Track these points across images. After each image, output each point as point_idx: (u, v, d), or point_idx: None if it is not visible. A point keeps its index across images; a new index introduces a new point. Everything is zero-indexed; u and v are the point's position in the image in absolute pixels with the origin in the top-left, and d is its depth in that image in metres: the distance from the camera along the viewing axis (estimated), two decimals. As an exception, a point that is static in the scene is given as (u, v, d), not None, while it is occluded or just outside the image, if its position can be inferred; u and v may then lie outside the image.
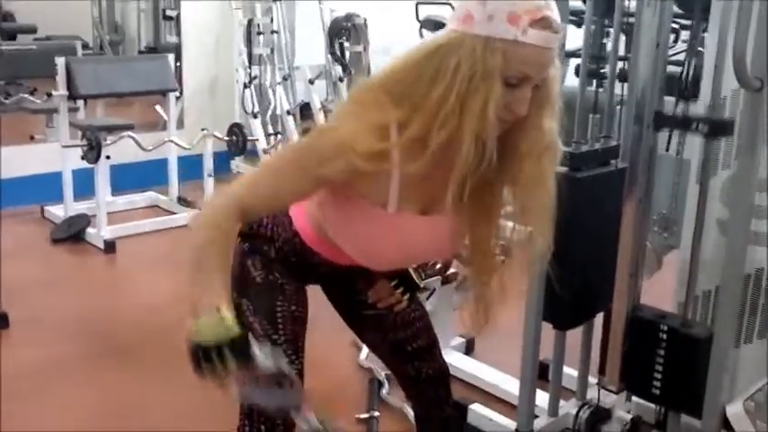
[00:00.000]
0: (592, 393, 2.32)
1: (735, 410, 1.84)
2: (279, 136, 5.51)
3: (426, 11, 6.51)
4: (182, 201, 4.78)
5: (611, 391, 2.05)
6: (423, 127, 1.25)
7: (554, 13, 1.20)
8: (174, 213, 4.63)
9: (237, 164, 5.52)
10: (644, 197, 2.05)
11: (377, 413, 2.52)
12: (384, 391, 2.64)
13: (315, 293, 1.67)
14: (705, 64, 2.03)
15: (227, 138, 5.02)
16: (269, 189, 1.32)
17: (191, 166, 4.76)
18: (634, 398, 2.40)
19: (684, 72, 1.97)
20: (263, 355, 1.23)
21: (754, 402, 1.86)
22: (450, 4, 6.38)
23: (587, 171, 2.08)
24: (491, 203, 1.38)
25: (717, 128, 1.89)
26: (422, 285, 1.70)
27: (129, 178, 4.85)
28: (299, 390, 1.31)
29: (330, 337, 2.36)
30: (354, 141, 1.25)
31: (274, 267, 1.53)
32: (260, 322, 1.51)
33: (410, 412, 2.42)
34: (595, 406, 2.02)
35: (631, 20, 2.05)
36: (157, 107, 5.06)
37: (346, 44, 5.82)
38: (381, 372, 2.70)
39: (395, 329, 1.69)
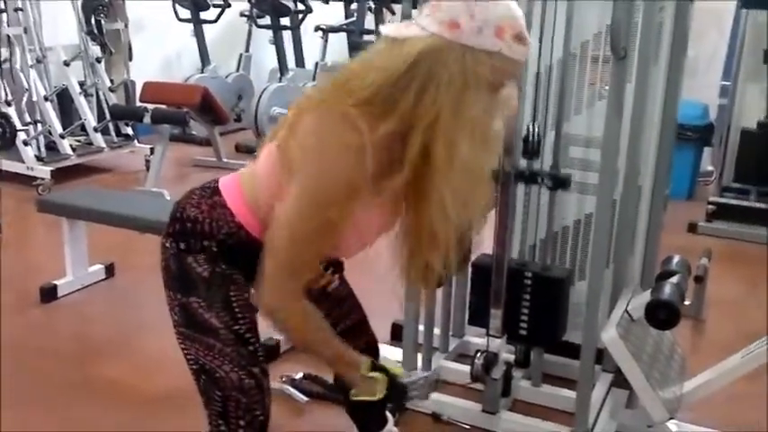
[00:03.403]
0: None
1: (609, 336, 2.11)
2: (39, 125, 5.00)
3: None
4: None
5: (496, 337, 2.24)
6: (422, 140, 1.28)
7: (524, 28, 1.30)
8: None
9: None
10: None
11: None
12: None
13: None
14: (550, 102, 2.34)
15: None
16: (308, 261, 1.40)
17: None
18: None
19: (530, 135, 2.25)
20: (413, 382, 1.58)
21: (621, 328, 2.15)
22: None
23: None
24: (428, 186, 1.39)
25: (558, 182, 2.32)
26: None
27: None
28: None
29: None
30: (355, 176, 1.29)
31: (219, 260, 1.46)
32: (217, 315, 1.44)
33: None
34: (487, 352, 2.20)
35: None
36: None
37: (103, 21, 5.42)
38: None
39: (329, 309, 1.68)
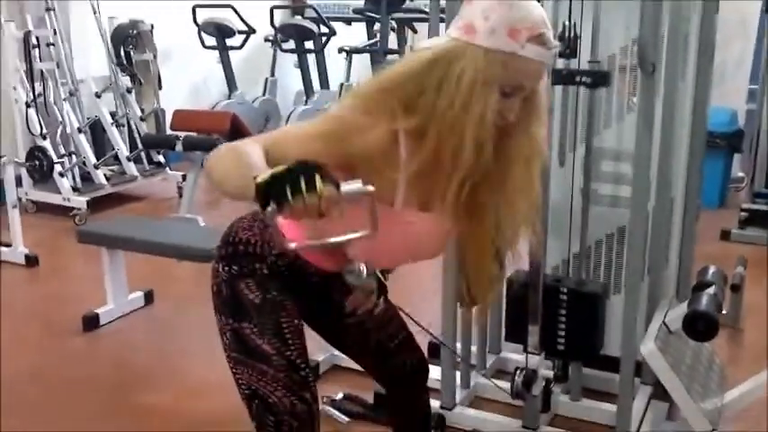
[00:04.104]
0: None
1: (648, 349, 2.12)
2: (73, 157, 5.11)
3: (205, 14, 6.42)
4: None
5: (534, 354, 2.26)
6: (437, 134, 1.33)
7: (549, 32, 1.32)
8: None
9: (27, 191, 5.02)
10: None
11: None
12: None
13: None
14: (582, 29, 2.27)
15: (27, 163, 4.56)
16: (293, 151, 1.28)
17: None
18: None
19: (566, 34, 2.18)
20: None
21: (660, 341, 2.15)
22: (231, 6, 6.35)
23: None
24: (483, 205, 1.46)
25: (598, 79, 2.19)
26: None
27: None
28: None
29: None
30: (373, 131, 1.32)
31: (270, 285, 1.50)
32: (269, 342, 1.48)
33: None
34: (527, 369, 2.22)
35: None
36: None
37: (132, 53, 5.54)
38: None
39: (377, 331, 1.72)
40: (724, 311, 2.16)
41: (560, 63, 2.25)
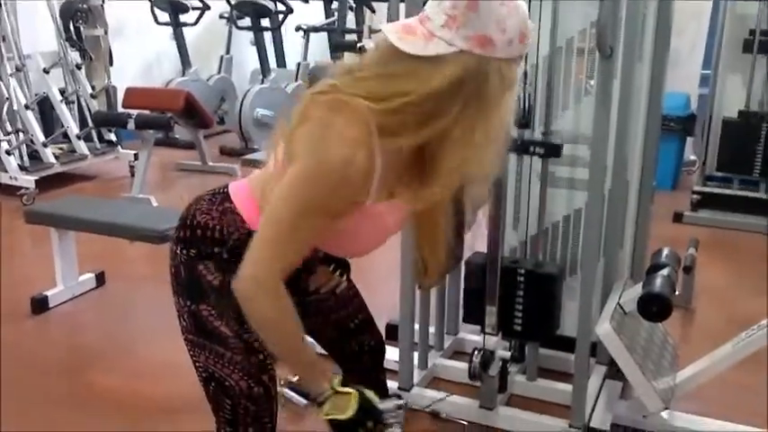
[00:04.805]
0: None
1: (604, 330, 2.14)
2: (20, 134, 4.96)
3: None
4: None
5: (491, 334, 2.27)
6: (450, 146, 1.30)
7: None
8: None
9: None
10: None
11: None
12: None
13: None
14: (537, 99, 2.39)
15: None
16: (295, 244, 1.32)
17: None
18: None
19: (522, 105, 2.26)
20: (386, 406, 1.46)
21: (615, 321, 2.18)
22: (185, -18, 6.21)
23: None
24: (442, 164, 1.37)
25: (549, 150, 2.32)
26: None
27: None
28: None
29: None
30: (354, 161, 1.25)
31: (230, 268, 1.46)
32: (227, 324, 1.45)
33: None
34: (484, 350, 2.22)
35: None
36: None
37: (83, 28, 5.38)
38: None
39: (337, 309, 1.71)
40: (677, 292, 2.20)
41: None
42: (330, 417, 1.39)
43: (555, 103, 2.46)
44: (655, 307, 2.07)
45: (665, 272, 2.16)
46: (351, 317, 1.74)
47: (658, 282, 2.11)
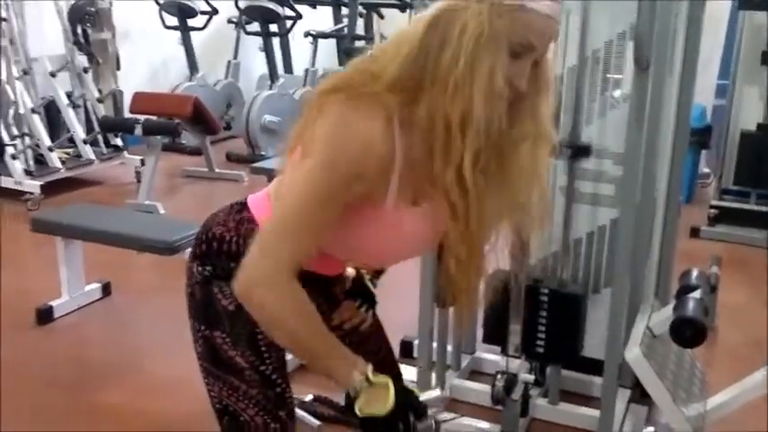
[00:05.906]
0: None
1: (634, 355, 2.06)
2: (26, 138, 4.89)
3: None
4: None
5: (515, 357, 2.19)
6: (431, 103, 1.18)
7: None
8: None
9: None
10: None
11: None
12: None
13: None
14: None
15: (-24, 145, 4.34)
16: (308, 230, 1.21)
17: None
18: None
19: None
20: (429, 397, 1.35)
21: (644, 346, 2.09)
22: (193, -14, 6.15)
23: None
24: (482, 194, 1.27)
25: (578, 150, 2.28)
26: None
27: None
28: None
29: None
30: (372, 143, 1.17)
31: None
32: (242, 354, 1.36)
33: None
34: (507, 373, 2.14)
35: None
36: None
37: (90, 31, 5.31)
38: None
39: (359, 345, 1.60)
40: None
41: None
42: (367, 414, 1.24)
43: (580, 117, 2.38)
44: (688, 332, 1.97)
45: (696, 294, 2.07)
46: (374, 352, 1.61)
47: (691, 305, 2.01)
